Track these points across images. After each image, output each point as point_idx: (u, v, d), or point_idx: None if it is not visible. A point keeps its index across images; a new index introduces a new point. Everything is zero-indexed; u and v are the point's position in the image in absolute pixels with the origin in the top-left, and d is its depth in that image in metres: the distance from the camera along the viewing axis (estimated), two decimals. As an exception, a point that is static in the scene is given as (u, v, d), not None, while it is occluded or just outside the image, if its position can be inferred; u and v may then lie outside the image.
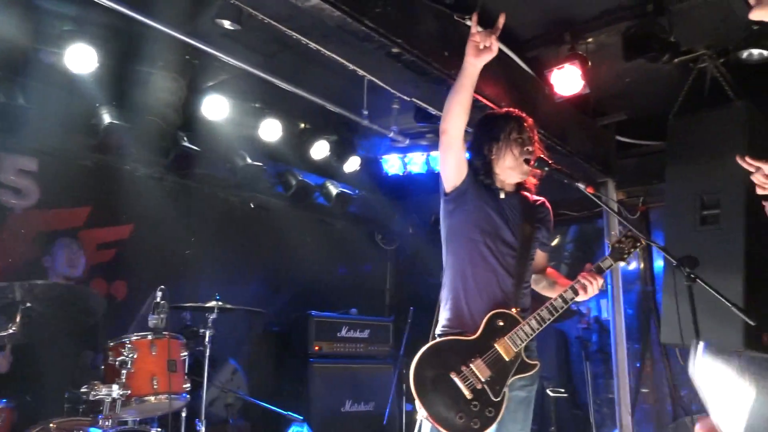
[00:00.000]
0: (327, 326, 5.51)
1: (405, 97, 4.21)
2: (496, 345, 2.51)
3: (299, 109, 5.67)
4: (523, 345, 2.52)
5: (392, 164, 6.46)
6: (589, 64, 4.02)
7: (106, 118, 4.41)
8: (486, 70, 2.69)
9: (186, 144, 4.89)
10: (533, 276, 2.79)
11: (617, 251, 2.68)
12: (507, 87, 4.17)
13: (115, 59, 4.33)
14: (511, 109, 2.87)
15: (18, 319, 2.98)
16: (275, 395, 5.17)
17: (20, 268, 4.29)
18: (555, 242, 6.14)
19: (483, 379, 2.46)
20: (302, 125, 5.84)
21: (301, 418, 4.12)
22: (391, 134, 5.33)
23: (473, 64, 2.63)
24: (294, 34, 3.39)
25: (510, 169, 2.72)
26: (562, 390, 4.99)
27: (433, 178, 6.41)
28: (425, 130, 6.13)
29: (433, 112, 4.53)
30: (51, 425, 3.17)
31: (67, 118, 4.41)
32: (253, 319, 5.60)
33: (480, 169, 2.72)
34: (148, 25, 3.43)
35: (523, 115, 2.82)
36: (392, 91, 4.26)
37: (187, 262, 5.20)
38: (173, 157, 4.85)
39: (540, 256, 2.81)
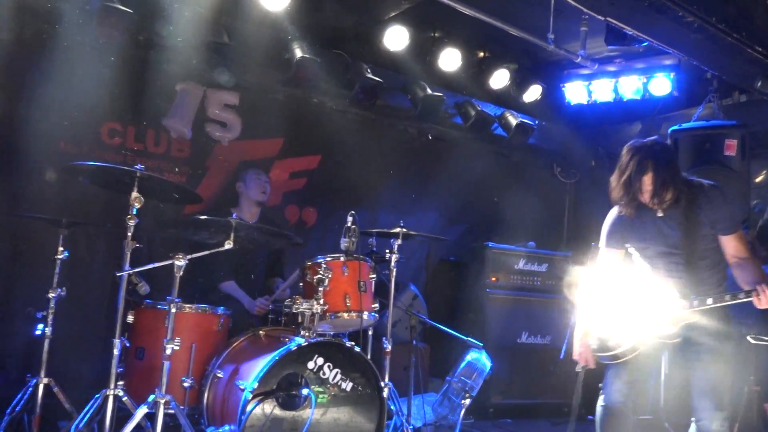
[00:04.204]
0: (504, 258, 5.50)
1: (599, 16, 3.90)
2: None
3: (479, 37, 5.53)
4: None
5: (575, 92, 6.12)
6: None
7: (298, 53, 4.64)
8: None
9: (369, 76, 5.00)
10: (732, 262, 2.81)
11: None
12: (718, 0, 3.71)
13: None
14: (637, 146, 2.85)
15: (232, 238, 3.32)
16: (451, 322, 5.32)
17: (226, 193, 4.77)
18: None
19: None
20: (482, 54, 5.71)
21: (481, 344, 4.20)
22: (579, 59, 4.99)
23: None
24: (483, -47, 3.25)
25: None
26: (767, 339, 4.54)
27: (620, 106, 5.99)
28: (614, 54, 5.70)
29: (629, 32, 4.17)
30: (260, 332, 3.55)
31: (263, 53, 4.69)
32: (431, 247, 5.75)
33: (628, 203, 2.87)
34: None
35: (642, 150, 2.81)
36: (584, 10, 3.96)
37: (369, 191, 5.42)
38: (357, 89, 5.00)
39: (726, 241, 2.80)
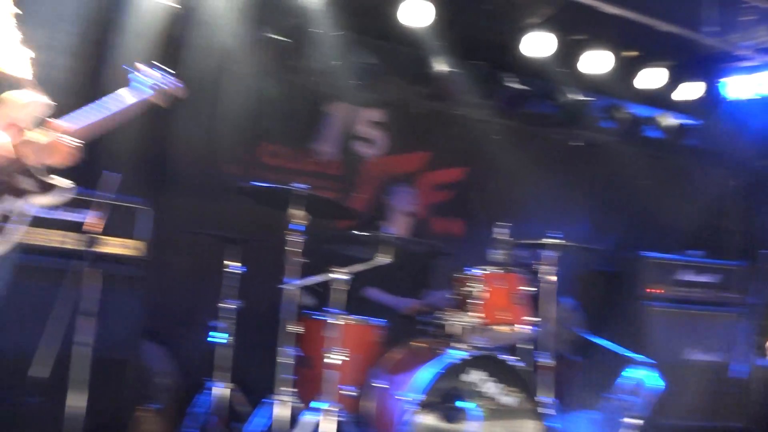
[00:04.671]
0: (663, 268, 5.15)
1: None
2: None
3: (627, 35, 5.27)
4: None
5: (737, 87, 5.65)
6: None
7: (440, 67, 4.70)
8: None
9: (512, 84, 4.95)
10: None
11: None
12: None
13: (446, 8, 4.54)
14: None
15: (385, 252, 3.43)
16: (604, 336, 5.08)
17: (375, 208, 4.91)
18: None
19: None
20: (630, 53, 5.44)
21: (653, 362, 3.95)
22: (741, 52, 4.61)
23: None
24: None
25: None
26: None
27: (793, 99, 5.44)
28: (784, 42, 5.20)
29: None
30: (416, 344, 3.60)
31: (407, 69, 4.82)
32: (584, 257, 5.52)
33: None
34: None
35: None
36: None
37: (516, 200, 5.33)
38: (500, 99, 4.96)
39: None
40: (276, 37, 4.24)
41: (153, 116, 4.09)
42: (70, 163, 2.29)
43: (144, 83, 2.72)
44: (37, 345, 3.00)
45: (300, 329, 3.45)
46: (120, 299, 3.47)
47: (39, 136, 2.22)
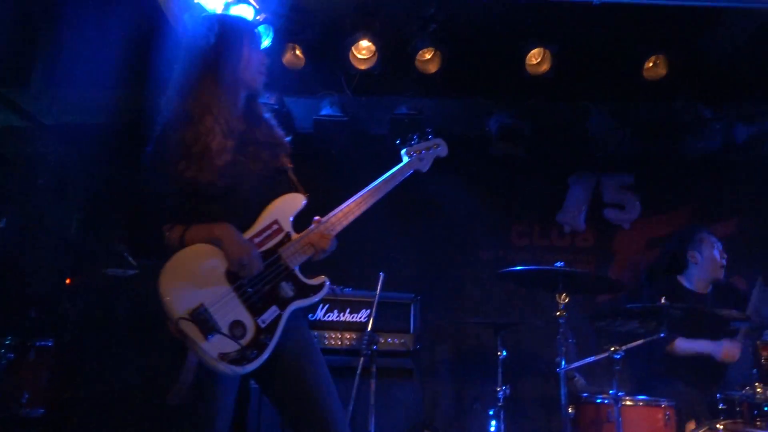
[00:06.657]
0: None
1: None
2: None
3: None
4: None
5: None
6: None
7: (697, 113, 4.35)
8: None
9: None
10: None
11: None
12: None
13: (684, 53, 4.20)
14: None
15: (665, 326, 3.15)
16: None
17: (636, 276, 4.60)
18: None
19: None
20: None
21: None
22: None
23: None
24: None
25: None
26: None
27: None
28: None
29: None
30: (718, 426, 3.16)
31: (650, 125, 4.54)
32: None
33: None
34: None
35: None
36: None
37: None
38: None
39: None
40: (516, 121, 4.33)
41: (412, 217, 4.44)
42: (329, 252, 2.12)
43: (415, 154, 2.43)
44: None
45: (576, 414, 3.27)
46: (397, 391, 3.63)
47: (299, 236, 2.10)
